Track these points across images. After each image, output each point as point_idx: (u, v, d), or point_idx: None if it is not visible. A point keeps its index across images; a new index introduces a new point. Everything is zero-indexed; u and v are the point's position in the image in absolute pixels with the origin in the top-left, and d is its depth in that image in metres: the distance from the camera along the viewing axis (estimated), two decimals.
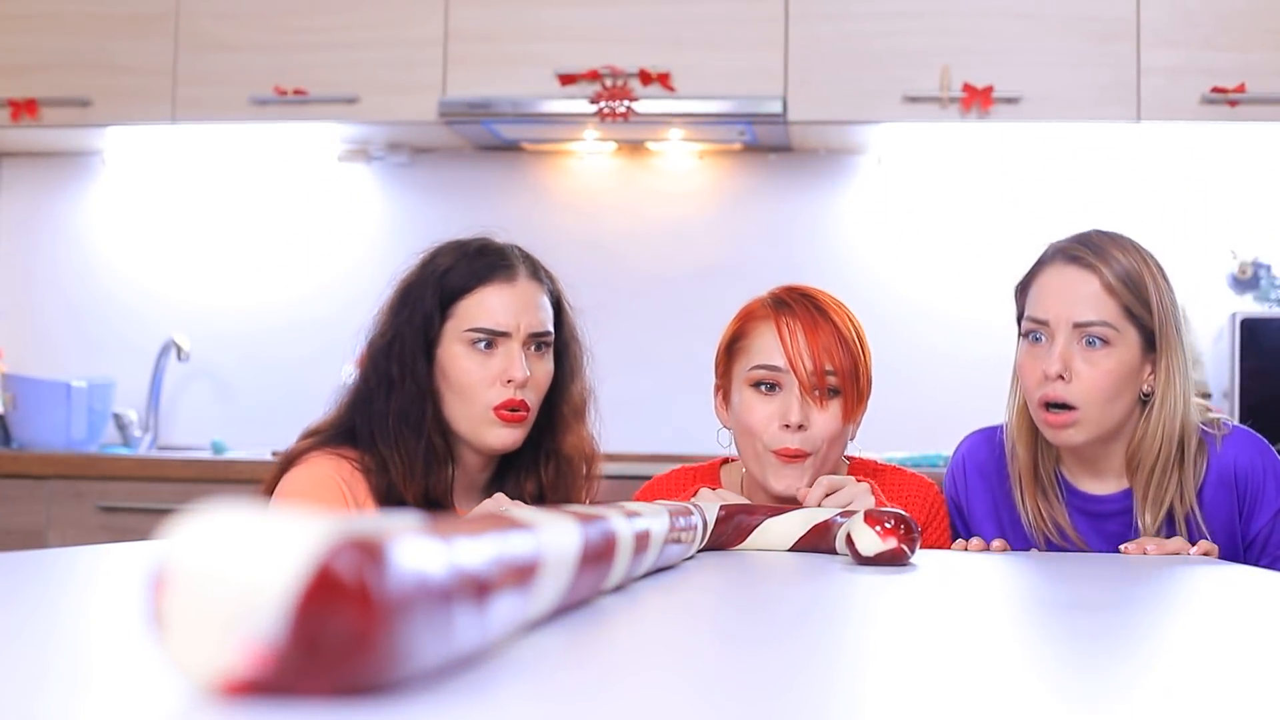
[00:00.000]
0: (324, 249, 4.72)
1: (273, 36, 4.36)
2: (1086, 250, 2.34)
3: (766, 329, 2.35)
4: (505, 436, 2.33)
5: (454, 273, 2.34)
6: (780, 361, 2.32)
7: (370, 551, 0.57)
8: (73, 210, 4.89)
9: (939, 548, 2.41)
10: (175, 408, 4.83)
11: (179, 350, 4.69)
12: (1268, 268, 4.27)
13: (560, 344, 2.44)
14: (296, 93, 4.31)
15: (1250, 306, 4.24)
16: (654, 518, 1.38)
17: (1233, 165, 4.43)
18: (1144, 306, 2.30)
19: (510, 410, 2.31)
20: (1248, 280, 4.26)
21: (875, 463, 2.56)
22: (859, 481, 2.24)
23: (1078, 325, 2.30)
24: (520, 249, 2.43)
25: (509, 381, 2.30)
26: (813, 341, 2.30)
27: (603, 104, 4.18)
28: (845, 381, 2.32)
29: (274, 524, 0.58)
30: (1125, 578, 1.71)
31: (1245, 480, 2.35)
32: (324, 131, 4.50)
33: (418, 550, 0.61)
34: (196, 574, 0.57)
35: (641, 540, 1.25)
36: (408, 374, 2.32)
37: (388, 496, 2.29)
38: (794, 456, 2.32)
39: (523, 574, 0.78)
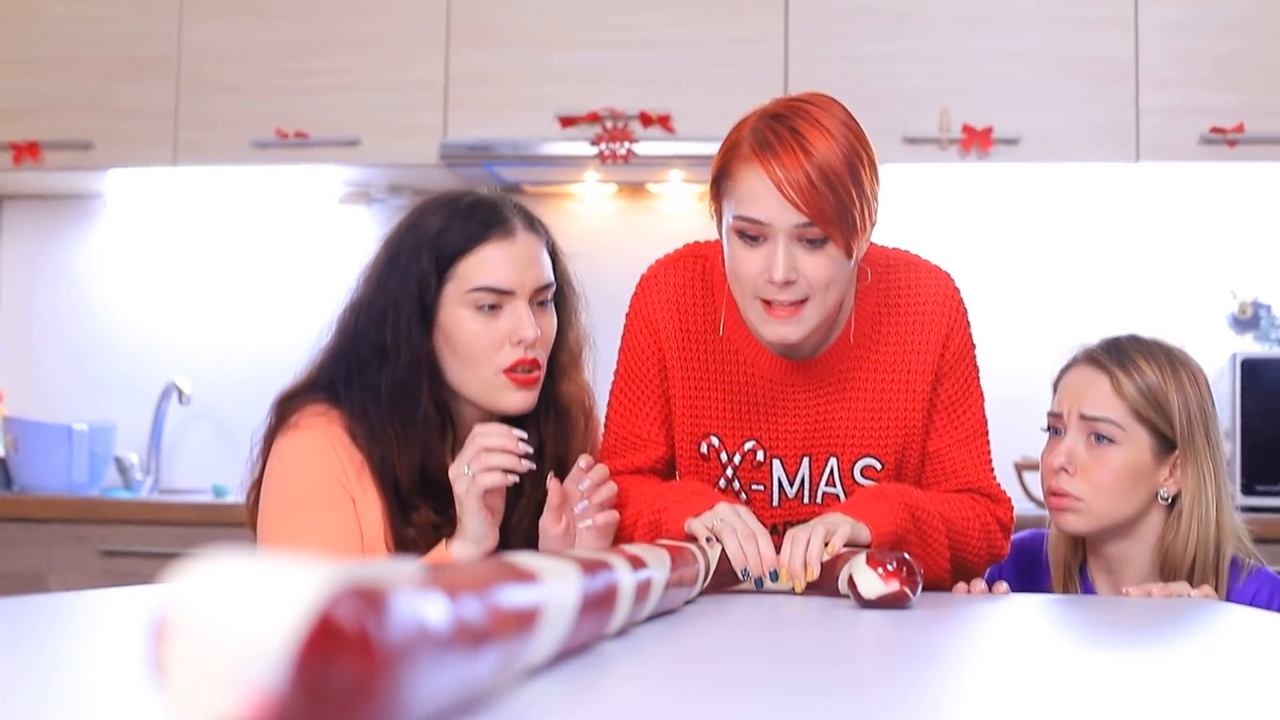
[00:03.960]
0: (325, 291, 4.71)
1: (274, 79, 4.38)
2: (1107, 355, 2.39)
3: (749, 174, 2.11)
4: (521, 400, 2.26)
5: (449, 233, 2.25)
6: (761, 215, 2.09)
7: (371, 600, 0.57)
8: (74, 253, 4.90)
9: (963, 354, 2.32)
10: (176, 451, 4.82)
11: (180, 393, 4.69)
12: (1268, 308, 4.27)
13: (556, 292, 2.35)
14: (297, 135, 4.32)
15: (1250, 346, 4.24)
16: (656, 568, 1.38)
17: (1232, 205, 4.43)
18: (1157, 412, 2.33)
19: (524, 371, 2.24)
20: (1248, 320, 4.26)
21: (888, 251, 2.37)
22: (834, 513, 2.08)
23: (1084, 418, 2.34)
24: (512, 200, 2.35)
25: (519, 342, 2.23)
26: (796, 189, 2.06)
27: (603, 146, 4.19)
28: (832, 228, 2.08)
29: (275, 572, 0.58)
30: (1130, 620, 1.71)
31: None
32: (325, 174, 4.51)
33: (418, 598, 0.61)
34: (198, 622, 0.57)
35: (643, 588, 1.25)
36: (402, 343, 2.24)
37: (384, 468, 2.22)
38: (784, 310, 2.13)
39: (523, 621, 0.78)
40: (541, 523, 2.20)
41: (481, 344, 2.23)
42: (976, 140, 4.08)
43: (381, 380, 2.25)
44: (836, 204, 2.07)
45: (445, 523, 2.20)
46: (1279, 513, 3.74)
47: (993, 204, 4.52)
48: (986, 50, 4.14)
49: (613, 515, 2.22)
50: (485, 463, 2.10)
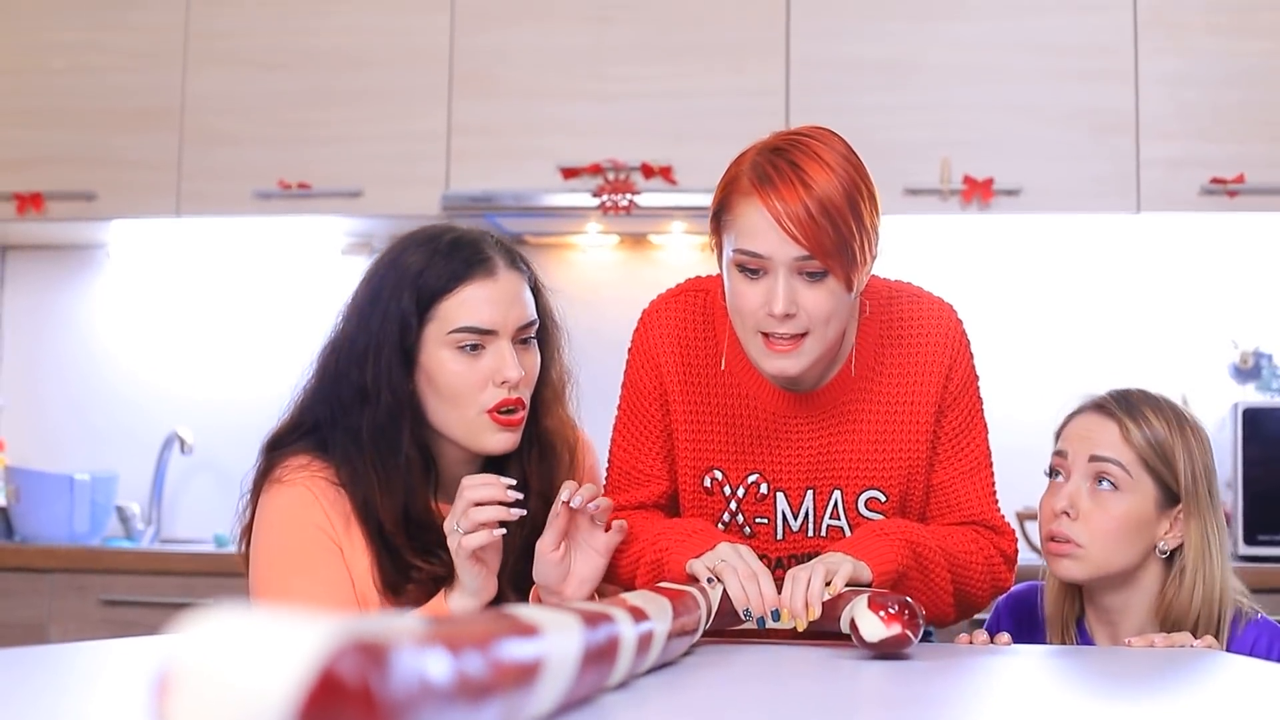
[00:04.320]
0: None
1: (277, 131, 4.39)
2: (1116, 404, 2.37)
3: (748, 208, 2.10)
4: (504, 440, 2.23)
5: (430, 272, 2.22)
6: (761, 248, 2.08)
7: (374, 654, 0.57)
8: (77, 303, 4.91)
9: (966, 386, 2.33)
10: (178, 501, 4.82)
11: (182, 443, 4.69)
12: (1269, 357, 4.27)
13: (540, 328, 2.33)
14: (300, 186, 4.33)
15: (1252, 396, 4.24)
16: (658, 619, 1.37)
17: (1233, 255, 4.44)
18: (1164, 464, 2.32)
19: (506, 412, 2.21)
20: (1249, 370, 4.26)
21: (890, 284, 2.39)
22: (834, 552, 2.06)
23: (1093, 458, 2.32)
24: (493, 236, 2.32)
25: (503, 382, 2.20)
26: (795, 223, 2.06)
27: (605, 197, 4.20)
28: (831, 261, 2.07)
29: (278, 625, 0.58)
30: (1133, 671, 1.70)
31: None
32: (327, 225, 4.52)
33: (420, 652, 0.61)
34: (201, 675, 0.58)
35: (644, 640, 1.25)
36: (383, 385, 2.21)
37: (366, 511, 2.20)
38: (784, 344, 2.12)
39: (524, 674, 0.78)
40: (539, 545, 2.18)
41: (464, 385, 2.21)
42: (977, 191, 4.09)
43: (363, 423, 2.23)
44: (836, 237, 2.07)
45: (444, 570, 2.19)
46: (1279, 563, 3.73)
47: (994, 255, 4.53)
48: (987, 102, 4.16)
49: (621, 524, 2.20)
50: (474, 519, 2.08)
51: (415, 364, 2.24)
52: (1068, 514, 2.31)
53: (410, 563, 2.21)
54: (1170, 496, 2.33)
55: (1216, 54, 4.09)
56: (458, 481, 2.19)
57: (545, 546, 2.17)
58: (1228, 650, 2.30)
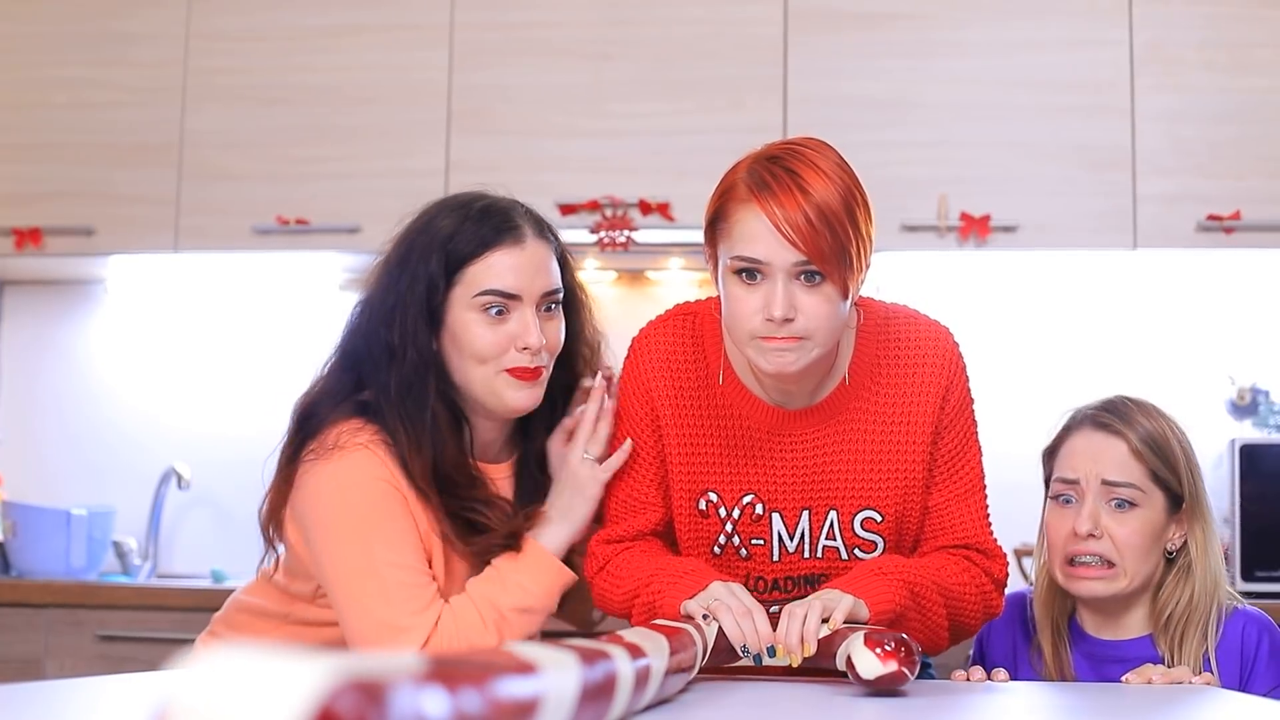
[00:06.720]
0: None
1: (275, 167, 4.39)
2: (1113, 417, 2.39)
3: (746, 214, 2.11)
4: (524, 397, 2.31)
5: (460, 237, 2.30)
6: (760, 254, 2.09)
7: (371, 693, 0.57)
8: (75, 338, 4.91)
9: (962, 409, 2.34)
10: (175, 536, 4.81)
11: (179, 478, 4.68)
12: (1266, 393, 4.27)
13: (567, 295, 2.40)
14: (298, 222, 4.34)
15: (1249, 432, 4.24)
16: (655, 656, 1.37)
17: (1230, 291, 4.44)
18: (1170, 470, 2.35)
19: (525, 371, 2.29)
20: (1246, 406, 4.26)
21: (886, 305, 2.42)
22: (832, 589, 2.06)
23: (1106, 483, 2.34)
24: (523, 206, 2.41)
25: (524, 348, 2.27)
26: (794, 228, 2.07)
27: (603, 234, 4.21)
28: (829, 266, 2.08)
29: (276, 664, 0.58)
30: (1132, 708, 1.70)
31: (1249, 652, 2.34)
32: (326, 261, 4.51)
33: (418, 691, 0.61)
34: (198, 714, 0.57)
35: (642, 676, 1.25)
36: (409, 343, 2.28)
37: (403, 467, 2.26)
38: (784, 341, 2.11)
39: (522, 712, 0.78)
40: (551, 444, 2.36)
41: (486, 346, 2.28)
42: (975, 228, 4.10)
43: (390, 380, 2.29)
44: (834, 243, 2.08)
45: (483, 520, 2.30)
46: (1278, 599, 3.72)
47: (991, 291, 4.53)
48: (984, 139, 4.16)
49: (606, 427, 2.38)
50: (601, 437, 2.32)
51: (441, 324, 2.31)
52: (1094, 535, 2.33)
53: (443, 516, 2.29)
54: (1174, 500, 2.35)
55: (1213, 90, 4.10)
56: (488, 445, 2.38)
57: (556, 443, 2.37)
58: (1218, 642, 2.31)
